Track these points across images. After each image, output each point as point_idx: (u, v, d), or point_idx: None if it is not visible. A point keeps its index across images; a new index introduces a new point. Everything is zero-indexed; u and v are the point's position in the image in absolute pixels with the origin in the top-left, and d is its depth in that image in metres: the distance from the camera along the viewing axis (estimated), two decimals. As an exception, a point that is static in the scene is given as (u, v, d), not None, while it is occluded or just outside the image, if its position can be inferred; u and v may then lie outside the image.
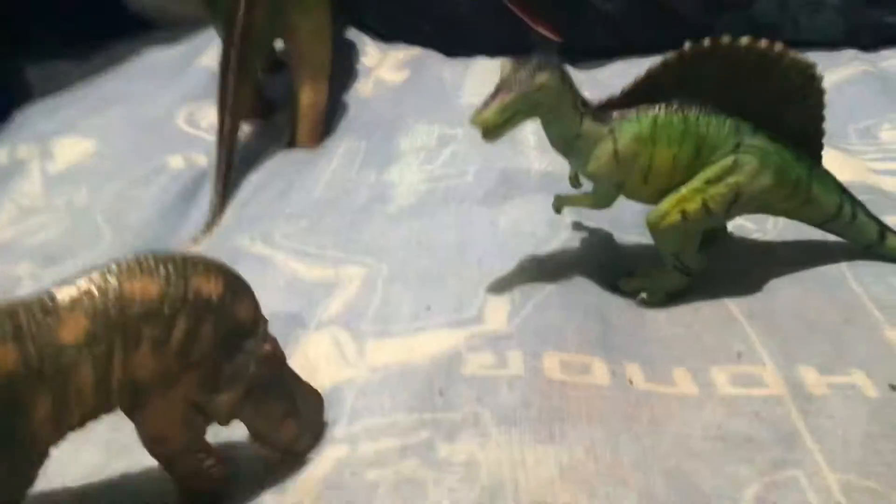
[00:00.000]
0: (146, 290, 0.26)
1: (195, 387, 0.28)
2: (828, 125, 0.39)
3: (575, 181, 0.42)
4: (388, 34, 0.71)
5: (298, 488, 0.30)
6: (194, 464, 0.29)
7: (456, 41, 0.68)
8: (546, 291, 0.40)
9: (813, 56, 0.37)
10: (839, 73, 0.58)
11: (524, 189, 0.48)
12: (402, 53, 0.68)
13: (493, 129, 0.35)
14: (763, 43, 0.36)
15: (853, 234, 0.40)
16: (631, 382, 0.34)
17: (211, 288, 0.27)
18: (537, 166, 0.50)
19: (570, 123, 0.37)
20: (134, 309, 0.25)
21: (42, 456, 0.26)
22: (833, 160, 0.49)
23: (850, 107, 0.54)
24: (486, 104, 0.35)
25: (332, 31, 0.65)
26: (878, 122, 0.53)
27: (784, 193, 0.38)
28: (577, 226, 0.44)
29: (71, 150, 0.55)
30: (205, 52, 0.63)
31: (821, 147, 0.39)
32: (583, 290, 0.40)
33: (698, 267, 0.39)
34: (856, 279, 0.40)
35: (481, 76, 0.63)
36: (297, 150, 0.57)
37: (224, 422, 0.29)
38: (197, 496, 0.30)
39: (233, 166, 0.53)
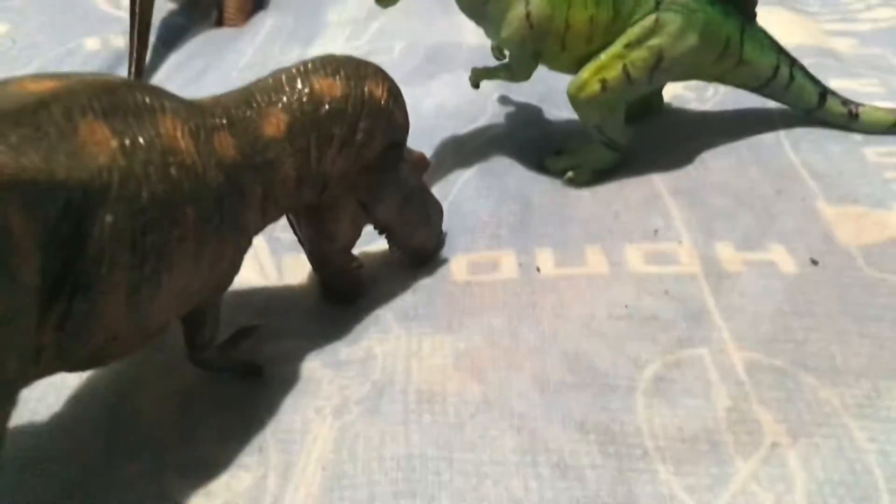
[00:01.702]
0: (333, 89, 0.26)
1: (365, 188, 0.28)
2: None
3: (498, 52, 0.39)
4: None
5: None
6: (347, 262, 0.31)
7: None
8: (465, 178, 0.37)
9: None
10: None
11: (452, 65, 0.45)
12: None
13: None
14: None
15: (792, 98, 0.38)
16: (539, 270, 0.32)
17: (381, 91, 0.27)
18: (470, 40, 0.47)
19: None
20: (324, 108, 0.26)
21: (249, 243, 0.26)
22: (787, 22, 0.46)
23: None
24: None
25: None
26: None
27: (712, 55, 0.35)
28: (505, 101, 0.42)
29: (-21, 32, 0.51)
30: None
31: (754, 3, 0.36)
32: (504, 173, 0.37)
33: (625, 140, 0.37)
34: (793, 147, 0.37)
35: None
36: (224, 29, 0.54)
37: (381, 223, 0.30)
38: (341, 292, 0.31)
39: (147, 45, 0.49)
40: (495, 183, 0.37)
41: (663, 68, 0.35)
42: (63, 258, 0.20)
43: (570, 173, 0.37)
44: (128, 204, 0.20)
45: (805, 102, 0.37)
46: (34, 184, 0.19)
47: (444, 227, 0.34)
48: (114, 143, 0.20)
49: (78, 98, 0.20)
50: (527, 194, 0.36)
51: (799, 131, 0.38)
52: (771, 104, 0.39)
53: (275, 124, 0.26)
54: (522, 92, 0.42)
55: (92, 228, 0.20)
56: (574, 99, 0.35)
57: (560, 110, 0.41)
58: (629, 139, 0.37)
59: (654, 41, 0.34)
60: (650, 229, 0.33)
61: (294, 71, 0.26)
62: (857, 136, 0.37)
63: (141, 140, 0.21)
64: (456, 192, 0.36)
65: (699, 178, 0.36)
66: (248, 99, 0.25)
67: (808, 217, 0.33)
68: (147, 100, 0.22)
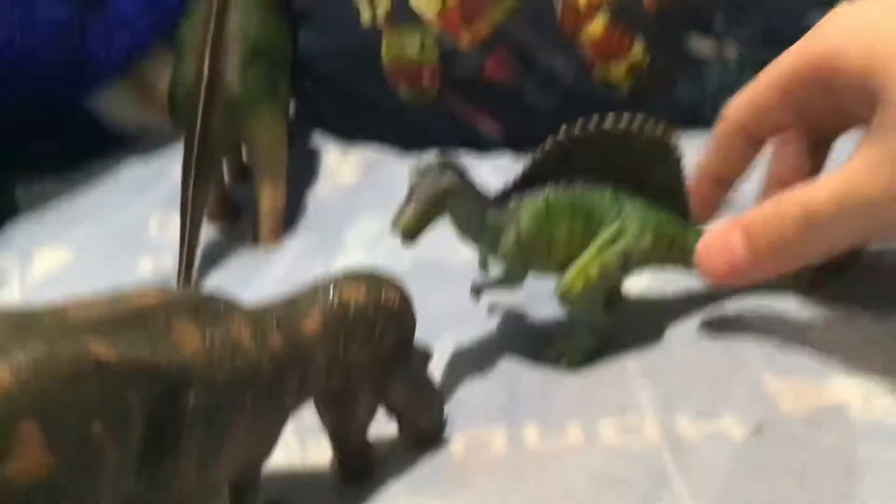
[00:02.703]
0: (357, 297, 0.34)
1: (380, 377, 0.35)
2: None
3: (484, 265, 0.46)
4: (349, 137, 0.77)
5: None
6: (364, 440, 0.37)
7: (410, 140, 0.74)
8: (462, 368, 0.43)
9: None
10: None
11: (452, 276, 0.52)
12: (360, 154, 0.74)
13: (410, 235, 0.39)
14: (622, 120, 0.41)
15: None
16: (526, 444, 0.37)
17: (395, 298, 0.35)
18: (466, 255, 0.54)
19: (475, 217, 0.41)
20: (351, 311, 0.33)
21: (285, 422, 0.33)
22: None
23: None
24: (402, 212, 0.39)
25: (293, 137, 0.71)
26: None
27: (663, 249, 0.43)
28: (494, 304, 0.48)
29: (49, 260, 0.60)
30: (176, 164, 0.69)
31: (687, 204, 0.44)
32: (496, 362, 0.43)
33: (606, 326, 0.43)
34: (742, 324, 0.43)
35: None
36: (259, 249, 0.62)
37: (396, 405, 0.37)
38: (356, 469, 0.37)
39: (193, 265, 0.57)
40: (488, 370, 0.43)
41: (631, 263, 0.42)
42: (157, 429, 0.26)
43: (564, 359, 0.43)
44: (206, 387, 0.27)
45: None
46: (144, 371, 0.25)
47: (445, 411, 0.39)
48: (197, 340, 0.27)
49: (175, 306, 0.27)
50: (515, 378, 0.42)
51: (748, 307, 0.44)
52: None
53: (312, 324, 0.32)
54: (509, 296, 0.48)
55: (180, 405, 0.26)
56: (565, 297, 0.42)
57: (541, 307, 0.47)
58: (607, 324, 0.43)
59: (621, 243, 0.42)
60: (620, 405, 0.39)
61: (328, 283, 0.34)
62: (804, 315, 0.43)
63: (217, 338, 0.28)
64: (455, 378, 0.42)
65: (662, 357, 0.42)
66: (291, 304, 0.33)
67: (755, 390, 0.38)
68: (222, 307, 0.29)
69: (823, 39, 0.38)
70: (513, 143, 0.71)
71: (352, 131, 0.77)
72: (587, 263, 0.42)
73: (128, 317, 0.26)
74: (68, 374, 0.22)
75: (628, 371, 0.41)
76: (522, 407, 0.40)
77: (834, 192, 0.36)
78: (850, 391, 0.38)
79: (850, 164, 0.36)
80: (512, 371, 0.43)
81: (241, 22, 0.60)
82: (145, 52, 0.75)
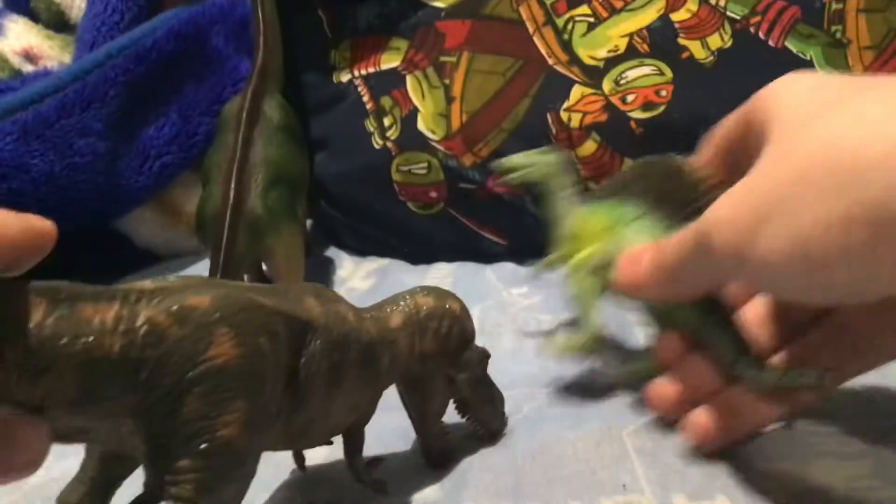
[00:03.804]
0: (428, 302, 0.43)
1: (449, 365, 0.44)
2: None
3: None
4: (361, 250, 0.83)
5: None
6: (441, 427, 0.45)
7: (418, 251, 0.79)
8: (471, 456, 0.46)
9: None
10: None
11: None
12: (372, 264, 0.79)
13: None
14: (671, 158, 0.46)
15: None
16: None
17: (456, 307, 0.44)
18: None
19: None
20: (423, 312, 0.42)
21: (381, 392, 0.42)
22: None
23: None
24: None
25: (310, 250, 0.76)
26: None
27: None
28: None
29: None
30: (201, 279, 0.74)
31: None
32: (499, 453, 0.46)
33: (595, 325, 0.48)
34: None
35: (438, 279, 0.73)
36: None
37: (461, 395, 0.45)
38: (437, 454, 0.45)
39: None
40: (495, 462, 0.46)
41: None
42: (295, 356, 0.34)
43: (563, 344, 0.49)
44: (325, 337, 0.35)
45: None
46: (287, 315, 0.34)
47: (455, 488, 0.43)
48: (319, 307, 0.36)
49: (304, 288, 0.37)
50: (521, 464, 0.45)
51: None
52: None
53: (396, 321, 0.41)
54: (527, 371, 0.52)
55: (308, 345, 0.35)
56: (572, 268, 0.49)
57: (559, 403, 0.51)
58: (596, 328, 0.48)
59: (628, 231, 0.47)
60: (619, 484, 0.42)
61: (406, 293, 0.43)
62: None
63: (331, 311, 0.37)
64: (465, 464, 0.45)
65: (660, 440, 0.45)
66: (380, 306, 0.42)
67: (748, 474, 0.42)
68: (333, 296, 0.39)
69: (753, 99, 0.40)
70: (515, 253, 0.76)
71: (364, 244, 0.83)
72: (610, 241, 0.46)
73: (276, 290, 0.35)
74: (241, 307, 0.31)
75: (626, 450, 0.44)
76: (525, 490, 0.42)
77: (700, 227, 0.36)
78: (835, 474, 0.41)
79: (721, 199, 0.35)
80: (512, 456, 0.45)
81: (265, 150, 0.66)
82: (173, 179, 0.81)
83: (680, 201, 0.44)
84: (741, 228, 0.33)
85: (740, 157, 0.39)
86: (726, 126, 0.43)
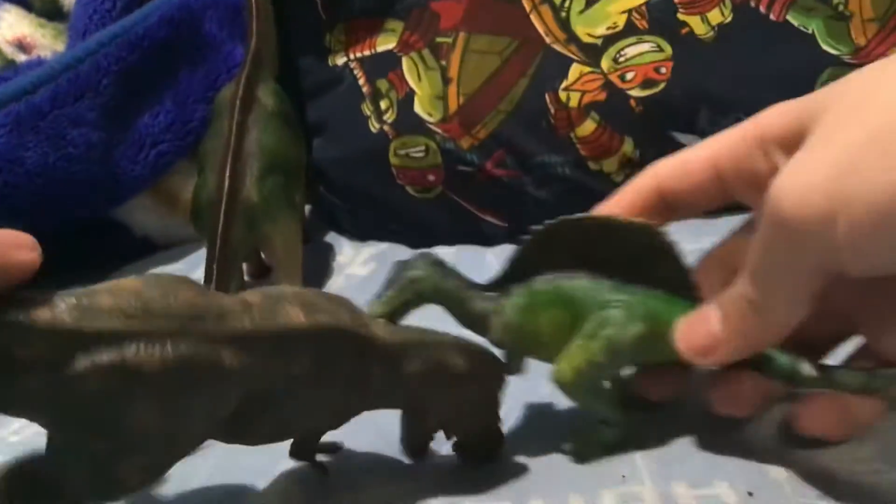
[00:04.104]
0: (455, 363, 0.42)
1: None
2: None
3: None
4: (360, 234, 0.82)
5: None
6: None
7: (419, 236, 0.78)
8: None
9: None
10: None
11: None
12: (372, 249, 0.78)
13: (382, 317, 0.42)
14: (601, 214, 0.43)
15: None
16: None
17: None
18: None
19: (458, 306, 0.43)
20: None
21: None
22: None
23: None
24: (375, 300, 0.42)
25: (309, 236, 0.75)
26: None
27: (662, 339, 0.42)
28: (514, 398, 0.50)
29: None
30: (198, 267, 0.73)
31: (696, 293, 0.43)
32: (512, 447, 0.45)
33: (620, 417, 0.43)
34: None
35: (438, 263, 0.72)
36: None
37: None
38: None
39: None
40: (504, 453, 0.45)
41: (621, 353, 0.42)
42: None
43: (579, 449, 0.44)
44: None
45: None
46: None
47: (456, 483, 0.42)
48: (347, 314, 0.39)
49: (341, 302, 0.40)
50: (530, 463, 0.44)
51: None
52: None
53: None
54: (536, 393, 0.50)
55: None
56: (560, 387, 0.43)
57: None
58: (624, 417, 0.43)
59: (604, 332, 0.42)
60: (619, 475, 0.41)
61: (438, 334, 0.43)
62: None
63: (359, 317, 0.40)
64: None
65: (656, 428, 0.44)
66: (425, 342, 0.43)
67: (749, 460, 0.41)
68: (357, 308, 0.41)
69: (758, 115, 0.40)
70: (515, 235, 0.75)
71: (363, 229, 0.82)
72: (573, 354, 0.42)
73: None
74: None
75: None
76: (530, 486, 0.42)
77: (771, 219, 0.35)
78: (839, 458, 0.40)
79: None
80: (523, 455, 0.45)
81: (259, 137, 0.66)
82: (170, 167, 0.80)
83: (631, 260, 0.42)
84: (820, 201, 0.32)
85: (743, 180, 0.40)
86: (720, 140, 0.41)
